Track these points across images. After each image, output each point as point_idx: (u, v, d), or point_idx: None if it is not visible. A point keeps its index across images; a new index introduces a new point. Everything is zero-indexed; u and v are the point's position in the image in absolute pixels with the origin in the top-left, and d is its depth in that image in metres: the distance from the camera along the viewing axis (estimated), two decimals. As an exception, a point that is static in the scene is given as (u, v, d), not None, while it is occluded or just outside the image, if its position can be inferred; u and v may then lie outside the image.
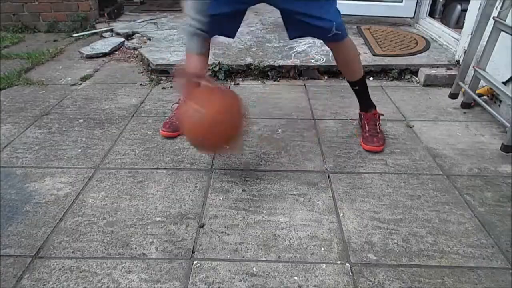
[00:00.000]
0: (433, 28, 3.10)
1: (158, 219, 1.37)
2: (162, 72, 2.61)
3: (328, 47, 1.67)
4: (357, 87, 1.80)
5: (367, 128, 1.79)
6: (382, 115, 1.88)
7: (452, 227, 1.33)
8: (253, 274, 1.16)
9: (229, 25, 1.64)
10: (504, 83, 1.91)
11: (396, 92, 2.38)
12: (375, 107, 1.85)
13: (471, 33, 2.21)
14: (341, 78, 2.58)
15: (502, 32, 1.86)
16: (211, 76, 2.52)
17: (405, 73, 2.57)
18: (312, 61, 2.59)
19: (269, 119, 2.05)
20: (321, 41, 1.68)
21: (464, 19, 2.48)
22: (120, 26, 3.55)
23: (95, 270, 1.17)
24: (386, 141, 1.79)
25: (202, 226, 1.34)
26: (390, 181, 1.56)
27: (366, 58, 2.64)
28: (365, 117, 1.82)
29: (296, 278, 1.14)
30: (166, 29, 3.40)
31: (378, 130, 1.79)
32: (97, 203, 1.45)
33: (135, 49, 3.05)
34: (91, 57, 2.98)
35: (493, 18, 1.88)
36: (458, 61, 2.49)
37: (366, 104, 1.85)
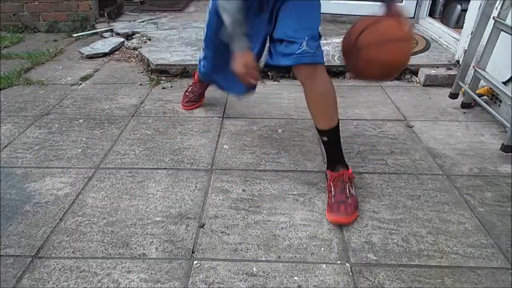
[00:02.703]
0: (433, 28, 3.10)
1: (158, 219, 1.37)
2: (162, 72, 2.61)
3: (298, 77, 1.39)
4: (326, 138, 1.43)
5: (332, 193, 1.39)
6: (353, 177, 1.48)
7: (452, 227, 1.33)
8: (253, 274, 1.16)
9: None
10: (504, 83, 1.91)
11: (396, 92, 2.38)
12: (347, 166, 1.46)
13: (471, 33, 2.21)
14: (341, 78, 2.58)
15: (502, 32, 1.86)
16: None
17: (405, 73, 2.57)
18: (312, 61, 2.59)
19: (269, 119, 2.05)
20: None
21: (464, 19, 2.48)
22: (120, 26, 3.55)
23: (95, 270, 1.17)
24: (359, 206, 1.41)
25: (202, 226, 1.34)
26: (390, 181, 1.56)
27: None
28: (331, 177, 1.43)
29: (296, 278, 1.14)
30: (166, 29, 3.41)
31: (348, 194, 1.38)
32: (97, 203, 1.45)
33: (135, 49, 3.05)
34: (91, 57, 2.98)
35: (493, 18, 1.88)
36: (458, 61, 2.49)
37: (335, 159, 1.46)
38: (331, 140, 1.43)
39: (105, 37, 3.37)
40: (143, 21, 3.68)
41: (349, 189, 1.40)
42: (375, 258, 1.21)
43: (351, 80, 2.51)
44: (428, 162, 1.68)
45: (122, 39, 3.26)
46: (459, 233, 1.30)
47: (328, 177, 1.45)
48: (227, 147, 1.80)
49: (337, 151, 1.46)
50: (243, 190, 1.51)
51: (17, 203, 1.44)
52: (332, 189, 1.40)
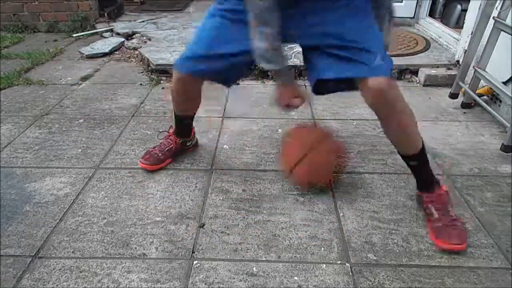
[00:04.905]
0: (433, 28, 3.10)
1: (158, 219, 1.37)
2: (162, 72, 2.61)
3: (369, 101, 1.15)
4: (416, 162, 1.30)
5: (437, 215, 1.27)
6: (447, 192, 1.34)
7: (452, 227, 1.33)
8: (253, 274, 1.16)
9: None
10: (504, 83, 1.91)
11: (396, 92, 2.37)
12: (439, 181, 1.34)
13: (471, 33, 2.21)
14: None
15: (502, 32, 1.86)
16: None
17: (405, 73, 2.57)
18: (312, 61, 2.59)
19: (269, 119, 2.05)
20: None
21: (464, 19, 2.48)
22: (120, 26, 3.55)
23: (95, 270, 1.17)
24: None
25: (202, 226, 1.34)
26: (390, 181, 1.56)
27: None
28: (429, 198, 1.31)
29: (296, 278, 1.14)
30: (166, 29, 3.40)
31: (454, 216, 1.28)
32: (97, 203, 1.45)
33: (135, 49, 3.05)
34: (91, 57, 2.98)
35: (493, 18, 1.88)
36: (458, 61, 2.49)
37: (429, 179, 1.33)
38: (422, 161, 1.30)
39: (105, 37, 3.37)
40: (143, 21, 3.68)
41: (451, 208, 1.29)
42: (375, 258, 1.21)
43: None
44: (428, 162, 1.68)
45: (122, 39, 3.26)
46: (459, 233, 1.30)
47: (424, 199, 1.32)
48: (227, 147, 1.80)
49: (428, 170, 1.33)
50: (243, 190, 1.51)
51: (17, 203, 1.44)
52: (435, 211, 1.28)
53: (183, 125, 1.65)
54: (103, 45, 3.12)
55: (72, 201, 1.46)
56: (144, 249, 1.24)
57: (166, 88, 1.51)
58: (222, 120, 2.05)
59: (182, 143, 1.68)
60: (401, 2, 3.30)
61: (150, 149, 1.65)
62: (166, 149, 1.64)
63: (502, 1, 1.88)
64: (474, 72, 2.02)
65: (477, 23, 2.00)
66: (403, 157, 1.32)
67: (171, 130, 1.69)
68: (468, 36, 2.32)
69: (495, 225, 1.34)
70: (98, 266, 1.18)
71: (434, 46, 2.85)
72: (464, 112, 2.12)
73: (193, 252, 1.23)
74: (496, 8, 1.91)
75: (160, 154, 1.63)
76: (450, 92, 2.18)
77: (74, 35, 3.49)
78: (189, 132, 1.70)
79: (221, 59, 1.23)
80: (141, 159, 1.62)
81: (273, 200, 1.46)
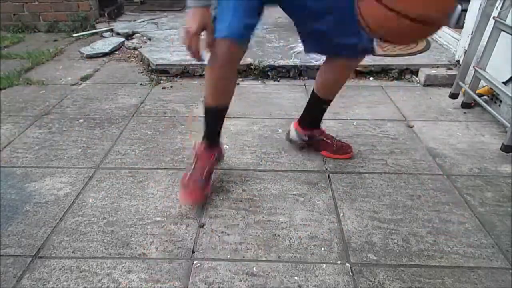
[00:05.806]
0: (433, 28, 3.10)
1: (158, 219, 1.37)
2: (162, 72, 2.61)
3: (333, 64, 1.56)
4: (327, 106, 1.66)
5: (330, 142, 1.71)
6: None
7: (452, 227, 1.33)
8: (253, 274, 1.16)
9: None
10: (504, 83, 1.91)
11: (396, 92, 2.37)
12: None
13: (471, 33, 2.21)
14: (341, 78, 2.58)
15: (502, 32, 1.86)
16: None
17: (405, 73, 2.57)
18: (312, 61, 2.59)
19: (269, 119, 2.05)
20: None
21: (464, 19, 2.48)
22: (120, 26, 3.56)
23: (95, 270, 1.17)
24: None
25: (202, 226, 1.34)
26: (390, 181, 1.56)
27: (366, 58, 2.63)
28: (321, 132, 1.74)
29: (296, 278, 1.14)
30: (166, 29, 3.41)
31: (338, 139, 1.75)
32: (97, 203, 1.45)
33: (135, 49, 3.05)
34: (91, 57, 2.98)
35: (493, 18, 1.88)
36: (458, 61, 2.49)
37: (321, 119, 1.73)
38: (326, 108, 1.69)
39: (105, 37, 3.37)
40: (143, 21, 3.68)
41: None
42: (375, 258, 1.21)
43: (352, 79, 2.51)
44: (428, 162, 1.68)
45: (122, 39, 3.26)
46: (459, 233, 1.30)
47: (319, 134, 1.72)
48: (227, 147, 1.80)
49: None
50: (243, 190, 1.51)
51: (17, 203, 1.44)
52: (327, 139, 1.72)
53: (221, 121, 1.48)
54: (103, 45, 3.12)
55: (72, 201, 1.46)
56: (144, 249, 1.24)
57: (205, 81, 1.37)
58: (222, 120, 2.04)
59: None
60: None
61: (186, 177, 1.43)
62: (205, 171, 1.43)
63: (502, 1, 1.88)
64: (474, 72, 2.02)
65: (477, 23, 2.00)
66: (325, 102, 1.63)
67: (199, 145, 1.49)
68: (468, 36, 2.32)
69: (495, 225, 1.34)
70: (98, 266, 1.18)
71: (434, 46, 2.85)
72: (464, 112, 2.12)
73: (193, 252, 1.23)
74: (496, 8, 1.91)
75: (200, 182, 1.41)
76: (450, 92, 2.18)
77: (74, 35, 3.49)
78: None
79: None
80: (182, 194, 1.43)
81: (273, 200, 1.46)
